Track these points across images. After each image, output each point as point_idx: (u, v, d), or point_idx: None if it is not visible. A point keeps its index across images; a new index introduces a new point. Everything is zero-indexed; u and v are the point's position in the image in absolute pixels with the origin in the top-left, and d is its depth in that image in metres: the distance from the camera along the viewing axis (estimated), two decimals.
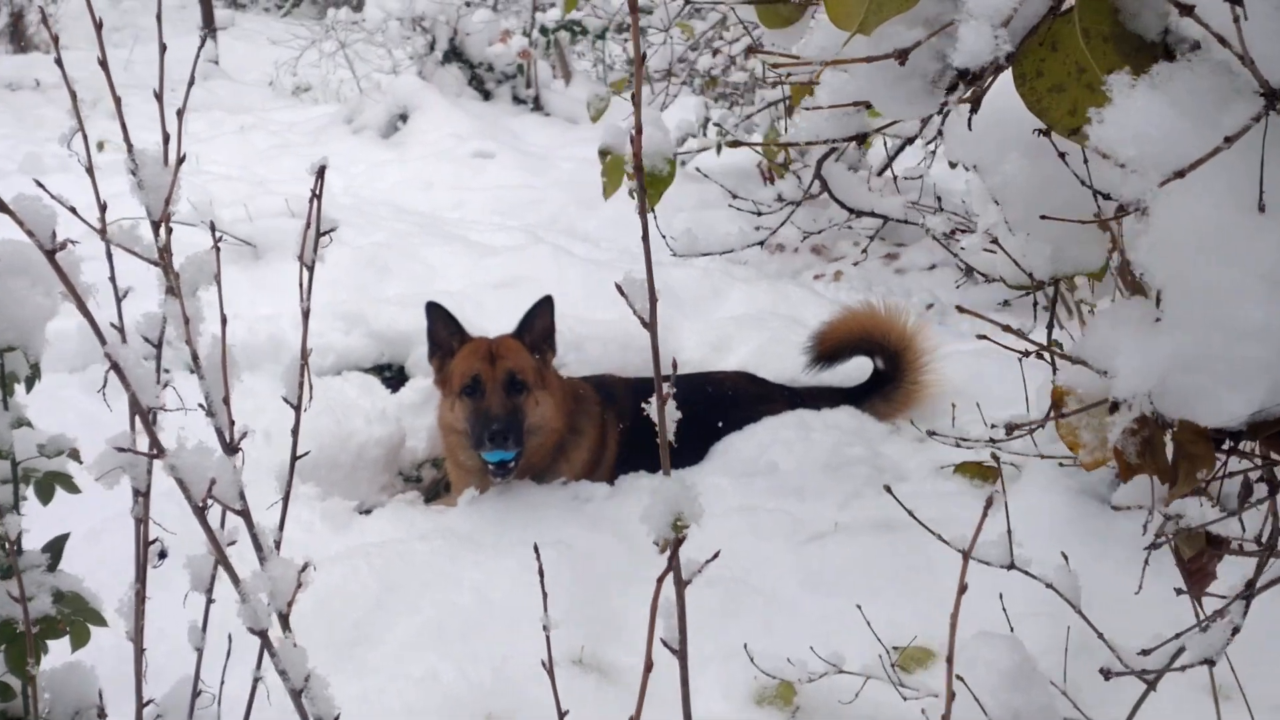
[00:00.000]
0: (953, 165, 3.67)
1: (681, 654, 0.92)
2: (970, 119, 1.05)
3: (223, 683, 1.50)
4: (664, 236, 2.14)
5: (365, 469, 3.27)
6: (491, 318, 4.14)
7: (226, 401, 1.21)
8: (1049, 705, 1.40)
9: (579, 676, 2.28)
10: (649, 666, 0.91)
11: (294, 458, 1.36)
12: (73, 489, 1.56)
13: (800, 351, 3.78)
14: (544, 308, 3.22)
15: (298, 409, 1.34)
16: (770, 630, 2.48)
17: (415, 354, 3.85)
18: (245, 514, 1.04)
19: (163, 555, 1.29)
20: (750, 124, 6.07)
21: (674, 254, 2.18)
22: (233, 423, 1.21)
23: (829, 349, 3.63)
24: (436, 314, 3.25)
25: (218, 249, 1.26)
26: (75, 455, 1.48)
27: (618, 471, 3.27)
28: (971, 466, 3.14)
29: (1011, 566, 1.57)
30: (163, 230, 1.21)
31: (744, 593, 2.60)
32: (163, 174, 1.18)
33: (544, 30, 8.19)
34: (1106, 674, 1.49)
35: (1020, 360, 2.81)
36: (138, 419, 1.26)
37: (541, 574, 1.23)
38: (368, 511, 3.04)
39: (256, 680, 1.29)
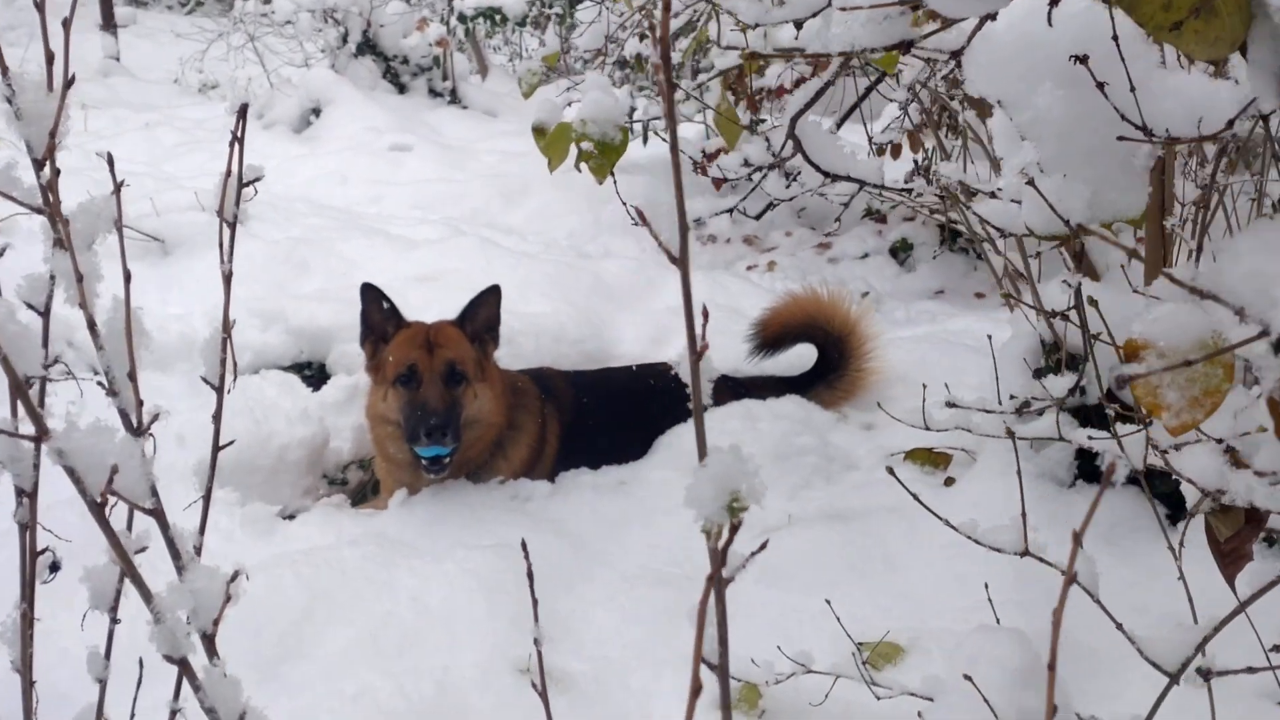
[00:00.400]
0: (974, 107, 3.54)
1: (722, 669, 0.75)
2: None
3: (133, 716, 1.31)
4: (625, 204, 1.98)
5: (287, 472, 3.06)
6: (415, 312, 3.95)
7: (133, 376, 1.03)
8: (1065, 705, 1.28)
9: (526, 686, 2.12)
10: (696, 690, 0.74)
11: (216, 448, 1.18)
12: None
13: (742, 341, 3.66)
14: (489, 297, 3.05)
15: (220, 390, 1.16)
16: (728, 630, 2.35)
17: (337, 350, 3.64)
18: (158, 513, 0.86)
19: (54, 568, 1.11)
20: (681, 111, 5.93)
21: (635, 223, 2.02)
22: (140, 402, 1.03)
23: (772, 336, 3.52)
24: (371, 295, 3.06)
25: (118, 193, 1.08)
26: None
27: (557, 469, 3.11)
28: (922, 453, 3.04)
29: (1025, 553, 1.45)
30: (48, 169, 1.02)
31: (696, 591, 2.44)
32: (47, 101, 1.00)
33: (462, 18, 7.98)
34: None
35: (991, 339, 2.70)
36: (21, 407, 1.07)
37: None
38: (291, 517, 2.84)
39: (175, 713, 1.12)
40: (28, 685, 1.06)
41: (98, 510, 0.79)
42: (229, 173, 1.15)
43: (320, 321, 3.70)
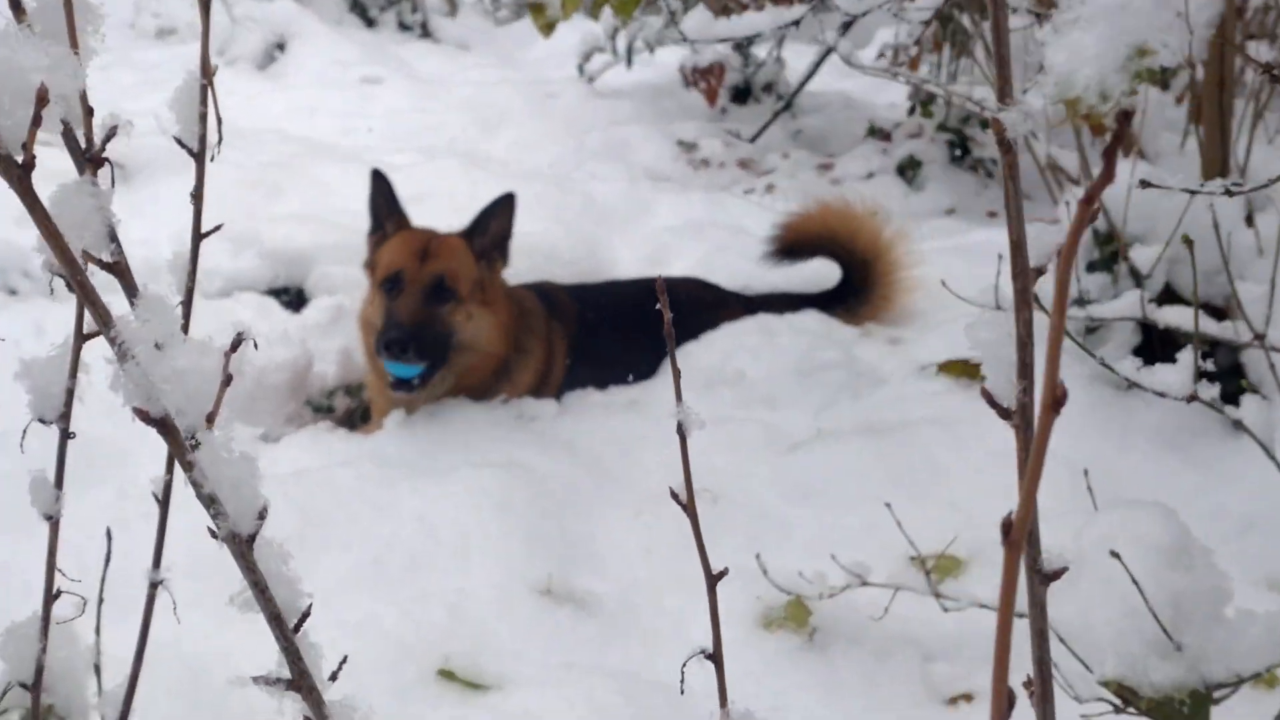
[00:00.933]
0: None
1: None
2: None
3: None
4: (680, 32, 1.73)
5: (266, 397, 2.81)
6: None
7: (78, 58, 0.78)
8: (1218, 587, 1.08)
9: (550, 608, 1.91)
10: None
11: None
12: None
13: (750, 260, 3.43)
14: (504, 207, 2.79)
15: (188, 304, 0.92)
16: (762, 548, 2.13)
17: (317, 273, 3.38)
18: (121, 270, 0.62)
19: None
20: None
21: (685, 39, 1.76)
22: (90, 111, 0.79)
23: (793, 242, 3.28)
24: (380, 185, 2.82)
25: None
26: None
27: (564, 389, 2.88)
28: (956, 365, 2.83)
29: None
30: None
31: (727, 509, 2.24)
32: None
33: None
34: None
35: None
36: None
37: None
38: (274, 440, 2.59)
39: (155, 587, 0.89)
40: (50, 597, 0.84)
41: (17, 173, 0.55)
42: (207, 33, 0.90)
43: (298, 243, 3.43)
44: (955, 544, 2.04)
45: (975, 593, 1.85)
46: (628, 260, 3.74)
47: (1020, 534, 0.58)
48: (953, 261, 3.40)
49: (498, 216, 2.75)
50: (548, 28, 2.41)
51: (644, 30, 5.62)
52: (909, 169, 4.78)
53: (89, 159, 0.75)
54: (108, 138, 0.76)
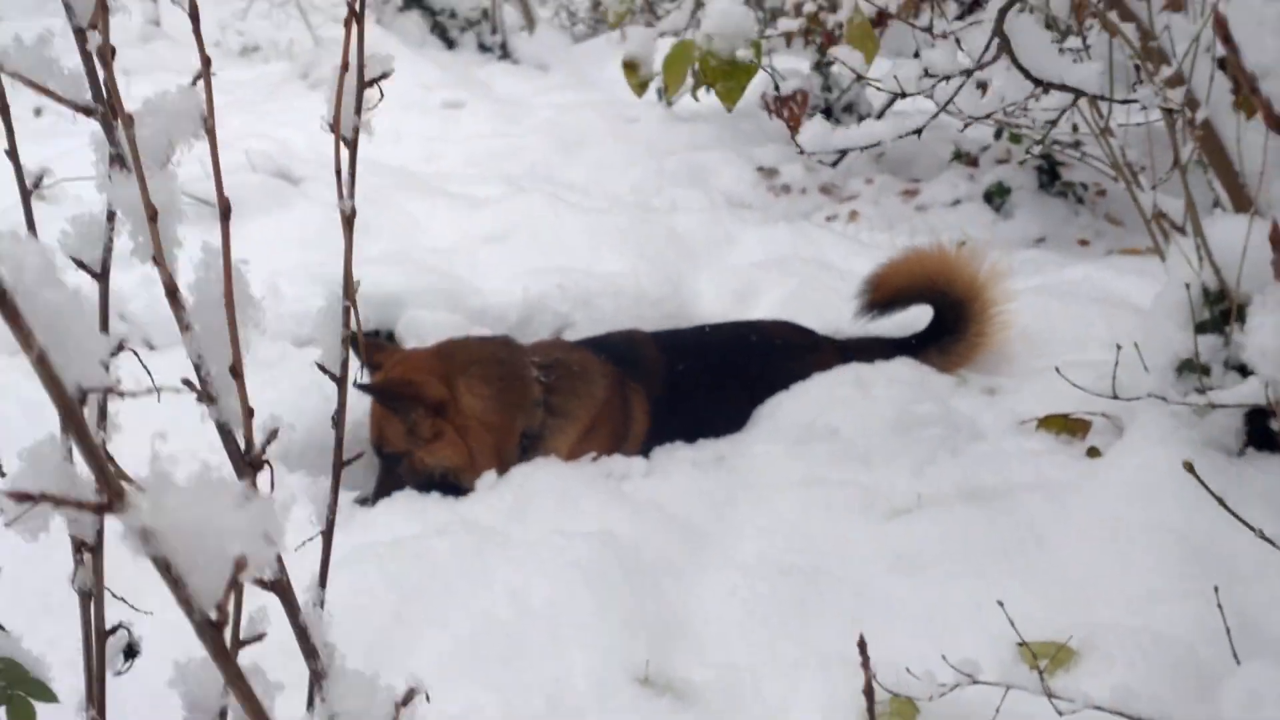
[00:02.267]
0: None
1: None
2: None
3: None
4: (797, 144, 1.70)
5: (359, 449, 2.82)
6: (486, 275, 3.71)
7: (238, 373, 0.78)
8: None
9: (649, 698, 1.87)
10: None
11: (339, 466, 0.93)
12: (49, 698, 1.12)
13: (839, 297, 3.37)
14: (385, 389, 2.70)
15: (342, 383, 0.91)
16: (865, 628, 2.07)
17: (407, 317, 3.39)
18: (281, 588, 0.61)
19: (131, 653, 0.85)
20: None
21: (801, 152, 1.74)
22: (250, 412, 0.78)
23: (886, 297, 3.21)
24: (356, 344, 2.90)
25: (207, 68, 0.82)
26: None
27: (651, 443, 2.84)
28: (1057, 420, 2.74)
29: None
30: (97, 36, 0.76)
31: (825, 583, 2.19)
32: None
33: None
34: None
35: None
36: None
37: None
38: (368, 501, 2.61)
39: None
40: None
41: (211, 633, 0.50)
42: (345, 66, 0.89)
43: (388, 286, 3.45)
44: (1065, 629, 1.97)
45: (1088, 689, 1.78)
46: (711, 298, 3.70)
47: None
48: (1048, 302, 3.31)
49: (385, 394, 2.69)
50: (640, 86, 2.39)
51: None
52: (997, 195, 4.67)
53: (249, 463, 0.73)
54: (268, 440, 0.74)
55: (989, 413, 2.83)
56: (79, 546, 0.80)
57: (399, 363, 2.80)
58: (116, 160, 0.75)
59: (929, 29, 1.53)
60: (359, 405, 2.92)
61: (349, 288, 0.92)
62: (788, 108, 4.72)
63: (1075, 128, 3.86)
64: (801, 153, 1.60)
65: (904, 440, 2.69)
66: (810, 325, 3.32)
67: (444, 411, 2.68)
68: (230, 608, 0.50)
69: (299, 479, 2.55)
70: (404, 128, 6.23)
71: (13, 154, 0.93)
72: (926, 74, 1.63)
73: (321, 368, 0.92)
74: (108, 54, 0.75)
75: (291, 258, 3.71)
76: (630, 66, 2.32)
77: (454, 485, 2.65)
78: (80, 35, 0.72)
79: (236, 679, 0.51)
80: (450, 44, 7.95)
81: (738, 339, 3.07)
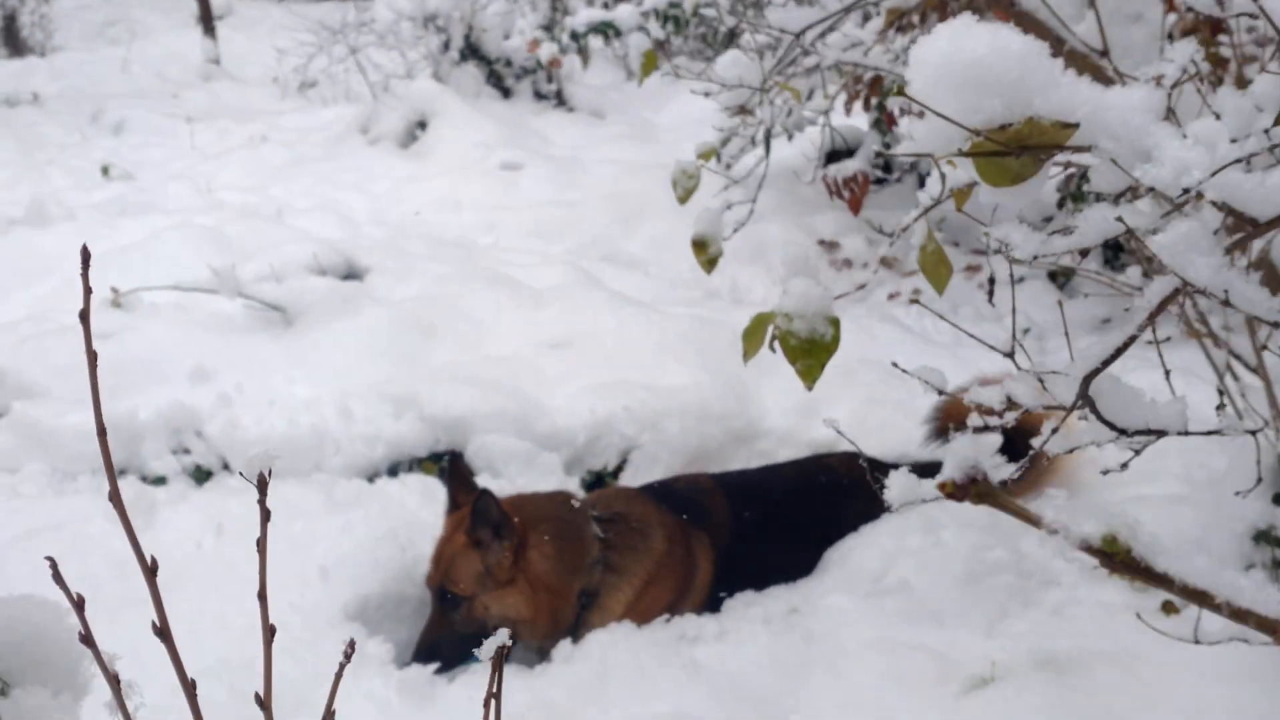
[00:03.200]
0: None
1: None
2: None
3: None
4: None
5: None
6: (551, 388, 3.76)
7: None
8: None
9: None
10: None
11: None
12: None
13: (909, 415, 3.38)
14: (485, 502, 2.68)
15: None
16: None
17: (477, 442, 3.45)
18: None
19: None
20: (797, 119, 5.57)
21: (888, 508, 1.75)
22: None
23: (953, 423, 3.21)
24: (454, 468, 2.97)
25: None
26: None
27: (718, 589, 2.87)
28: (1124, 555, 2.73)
29: None
30: None
31: None
32: None
33: (574, 36, 7.69)
34: None
35: None
36: None
37: None
38: (427, 654, 2.65)
39: None
40: None
41: None
42: None
43: (456, 410, 3.51)
44: None
45: None
46: (777, 411, 3.71)
47: None
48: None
49: (485, 510, 2.67)
50: (710, 264, 2.42)
51: (785, 118, 5.58)
52: (1061, 274, 4.63)
53: None
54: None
55: (1060, 557, 2.82)
56: None
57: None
58: None
59: (990, 284, 1.54)
60: (424, 547, 2.98)
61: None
62: (849, 188, 4.72)
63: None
64: (889, 508, 1.61)
65: (975, 592, 2.69)
66: (878, 446, 3.33)
67: (521, 558, 2.73)
68: None
69: (377, 645, 2.61)
70: (463, 194, 6.31)
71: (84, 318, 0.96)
72: (1011, 402, 1.63)
73: None
74: None
75: (361, 373, 3.78)
76: (699, 245, 2.35)
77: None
78: None
79: None
80: (506, 93, 8.01)
81: (805, 479, 3.08)
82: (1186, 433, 1.62)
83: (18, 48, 16.15)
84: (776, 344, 1.73)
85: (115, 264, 4.79)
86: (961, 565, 2.76)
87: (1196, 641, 2.40)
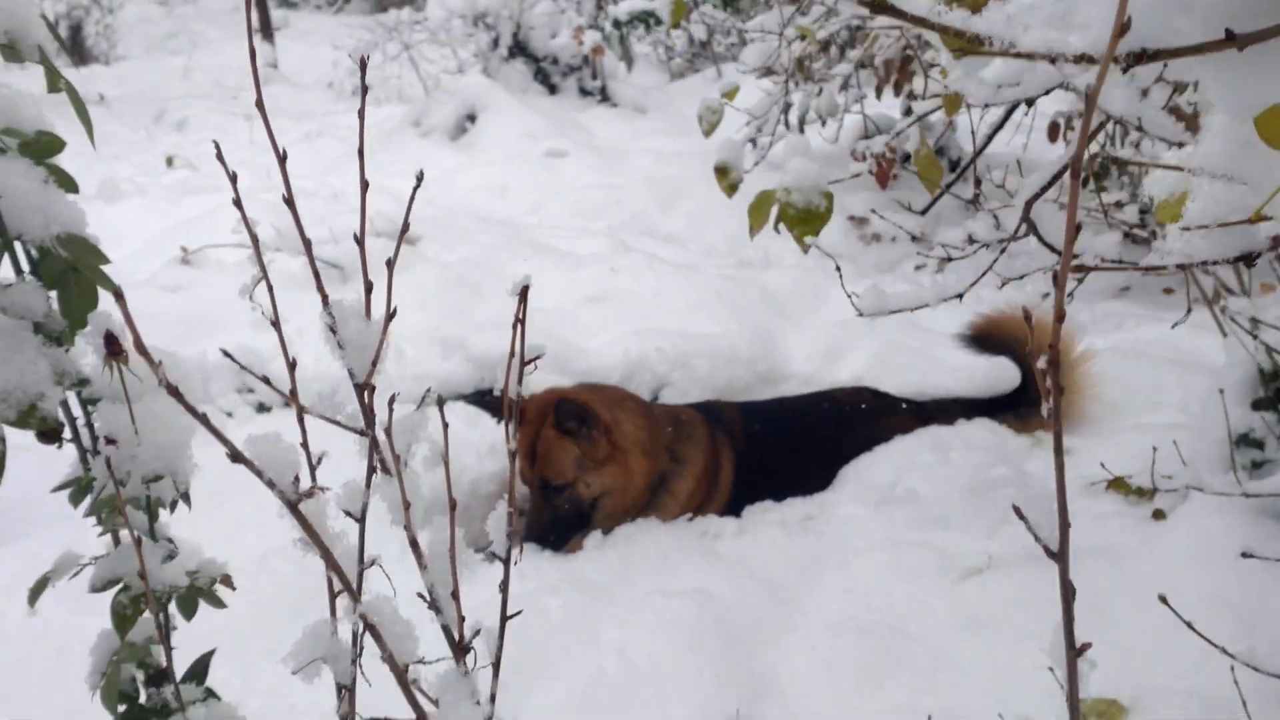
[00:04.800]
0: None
1: None
2: None
3: None
4: (849, 295, 1.96)
5: (479, 506, 3.14)
6: (589, 336, 4.00)
7: (456, 596, 1.07)
8: None
9: None
10: None
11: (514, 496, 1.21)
12: (218, 604, 1.43)
13: (926, 360, 3.60)
14: (564, 406, 2.95)
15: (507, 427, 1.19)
16: (934, 685, 2.31)
17: None
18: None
19: None
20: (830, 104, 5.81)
21: (860, 314, 1.99)
22: (462, 619, 1.07)
23: (982, 340, 3.43)
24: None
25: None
26: (228, 581, 1.35)
27: (736, 498, 3.11)
28: (1125, 484, 2.93)
29: None
30: (367, 395, 1.06)
31: (900, 642, 2.42)
32: (367, 332, 1.04)
33: (616, 24, 8.00)
34: None
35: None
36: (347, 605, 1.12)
37: None
38: (491, 555, 2.91)
39: None
40: None
41: None
42: (512, 353, 1.17)
43: (499, 351, 3.76)
44: (1119, 689, 2.18)
45: None
46: (801, 357, 3.93)
47: None
48: (1123, 365, 3.48)
49: (566, 410, 2.93)
50: (731, 188, 2.66)
51: (817, 102, 5.82)
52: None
53: (461, 648, 1.01)
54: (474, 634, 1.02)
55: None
56: (340, 688, 1.11)
57: (546, 400, 3.08)
58: (380, 466, 1.05)
59: (975, 200, 1.77)
60: (467, 460, 3.23)
61: (363, 228, 1.19)
62: (878, 163, 4.94)
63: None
64: (860, 314, 1.85)
65: (979, 502, 2.90)
66: (897, 386, 3.55)
67: (614, 433, 2.99)
68: None
69: (426, 535, 2.86)
70: (510, 179, 6.60)
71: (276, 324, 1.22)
72: (970, 240, 1.86)
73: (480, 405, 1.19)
74: (369, 407, 1.05)
75: (411, 320, 4.05)
76: (721, 171, 2.59)
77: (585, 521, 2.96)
78: (359, 392, 1.03)
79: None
80: (552, 89, 8.32)
81: (811, 407, 3.32)
82: (1121, 264, 1.84)
83: (83, 57, 16.75)
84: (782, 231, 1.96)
85: (182, 232, 5.12)
86: (967, 479, 2.96)
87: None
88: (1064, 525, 0.80)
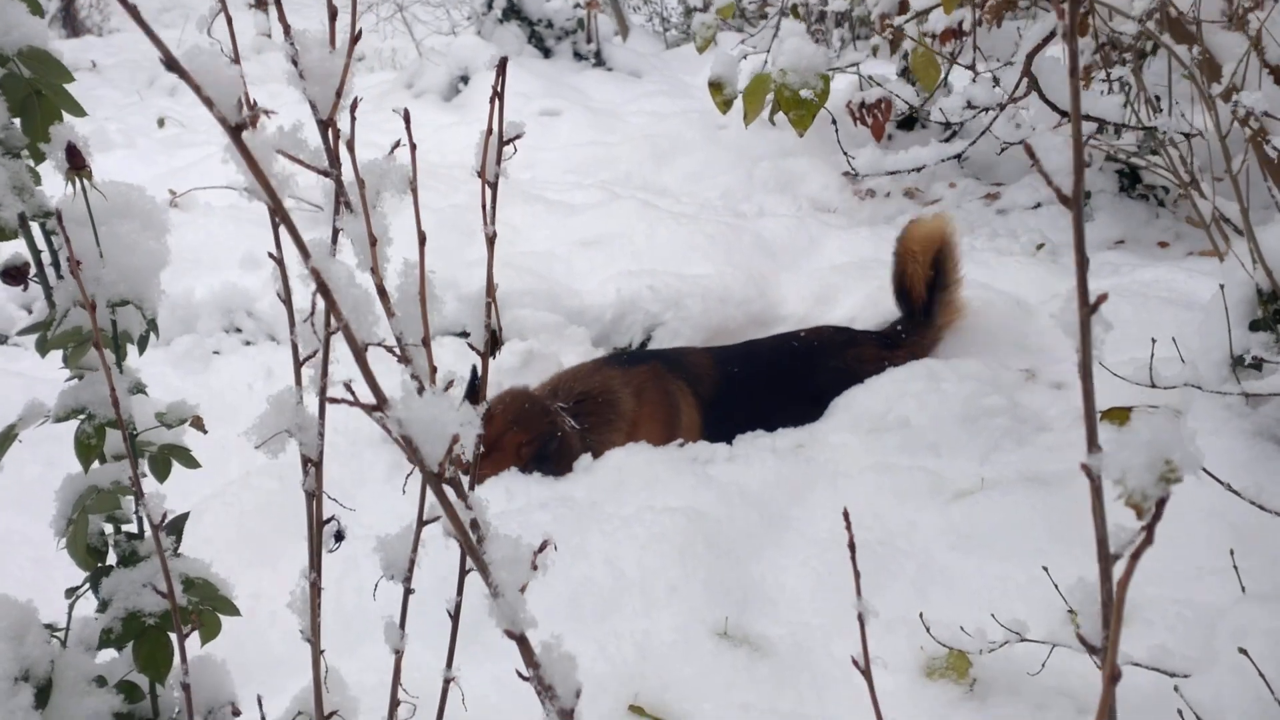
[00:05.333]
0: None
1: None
2: None
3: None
4: (847, 155, 1.92)
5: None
6: (581, 278, 3.96)
7: (426, 343, 1.03)
8: None
9: (727, 650, 2.10)
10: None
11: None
12: (191, 464, 1.39)
13: None
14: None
15: (485, 356, 1.15)
16: (925, 597, 2.28)
17: (508, 317, 3.66)
18: (455, 483, 0.85)
19: (339, 537, 1.12)
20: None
21: (856, 174, 1.96)
22: (434, 369, 1.02)
23: (913, 288, 3.44)
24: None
25: (413, 152, 1.07)
26: (199, 424, 1.31)
27: (707, 432, 3.09)
28: (1119, 413, 2.89)
29: None
30: (331, 133, 1.02)
31: (892, 557, 2.39)
32: (331, 59, 0.99)
33: None
34: None
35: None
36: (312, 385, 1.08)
37: None
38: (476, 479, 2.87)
39: (448, 683, 1.12)
40: (317, 654, 1.08)
41: (435, 481, 0.78)
42: (490, 131, 1.13)
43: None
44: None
45: (1129, 649, 1.95)
46: (794, 300, 3.90)
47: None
48: (1120, 305, 3.44)
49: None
50: (725, 104, 2.61)
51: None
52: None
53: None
54: (446, 386, 0.98)
55: (1055, 407, 2.99)
56: (306, 461, 1.07)
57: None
58: (345, 206, 1.00)
59: (971, 66, 1.73)
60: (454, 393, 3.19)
61: (490, 287, 1.15)
62: (873, 115, 4.89)
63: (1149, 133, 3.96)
64: (856, 175, 1.81)
65: (971, 430, 2.87)
66: (876, 324, 3.52)
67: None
68: (447, 465, 0.76)
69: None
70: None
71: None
72: (969, 105, 1.82)
73: (471, 346, 1.16)
74: (336, 144, 1.00)
75: (402, 259, 4.01)
76: (715, 86, 2.54)
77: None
78: (322, 125, 0.98)
79: (445, 504, 0.78)
80: (547, 53, 8.24)
81: (781, 345, 3.30)
82: (1125, 125, 1.80)
83: (75, 29, 16.66)
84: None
85: (173, 180, 5.07)
86: (960, 408, 2.93)
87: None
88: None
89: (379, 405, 0.78)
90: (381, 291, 1.01)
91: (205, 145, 6.36)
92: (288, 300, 1.12)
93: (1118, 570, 0.82)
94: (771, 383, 3.20)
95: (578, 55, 8.31)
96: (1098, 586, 0.71)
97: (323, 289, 0.79)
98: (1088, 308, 0.68)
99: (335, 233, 1.07)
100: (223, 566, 2.30)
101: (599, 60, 8.30)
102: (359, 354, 0.81)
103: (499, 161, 1.11)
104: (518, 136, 1.12)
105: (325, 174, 1.00)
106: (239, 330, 3.94)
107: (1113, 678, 0.66)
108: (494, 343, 3.13)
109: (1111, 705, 0.69)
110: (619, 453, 2.83)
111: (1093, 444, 0.70)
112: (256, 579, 2.28)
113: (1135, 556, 0.66)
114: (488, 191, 1.14)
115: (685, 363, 3.23)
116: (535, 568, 0.86)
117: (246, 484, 2.63)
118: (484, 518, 0.87)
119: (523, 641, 0.83)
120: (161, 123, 8.11)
